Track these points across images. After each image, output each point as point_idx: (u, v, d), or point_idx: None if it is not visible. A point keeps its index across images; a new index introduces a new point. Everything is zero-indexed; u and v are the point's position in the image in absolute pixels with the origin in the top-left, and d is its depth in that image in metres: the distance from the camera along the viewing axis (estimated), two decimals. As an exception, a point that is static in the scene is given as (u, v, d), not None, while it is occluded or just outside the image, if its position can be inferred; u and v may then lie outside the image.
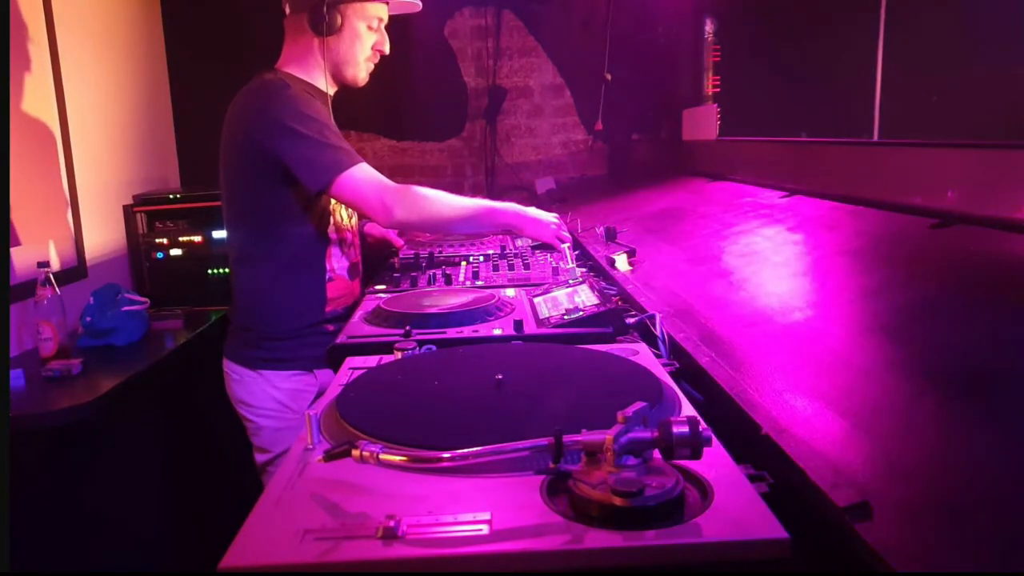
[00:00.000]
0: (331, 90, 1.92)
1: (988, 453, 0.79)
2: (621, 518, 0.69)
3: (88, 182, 2.76)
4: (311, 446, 0.89)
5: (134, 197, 3.06)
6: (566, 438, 0.76)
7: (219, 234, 2.97)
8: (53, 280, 2.23)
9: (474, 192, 3.80)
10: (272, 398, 1.83)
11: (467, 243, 2.48)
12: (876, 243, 1.50)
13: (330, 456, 0.80)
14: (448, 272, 1.99)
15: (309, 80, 1.87)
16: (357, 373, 1.16)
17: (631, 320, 1.44)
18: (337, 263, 1.90)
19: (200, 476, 2.59)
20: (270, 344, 1.83)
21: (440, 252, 2.34)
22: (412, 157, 3.87)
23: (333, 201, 1.87)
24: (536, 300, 1.63)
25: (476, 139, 3.86)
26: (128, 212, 3.00)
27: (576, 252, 2.09)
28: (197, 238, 2.99)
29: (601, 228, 2.19)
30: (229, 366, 1.88)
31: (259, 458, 1.87)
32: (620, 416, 0.75)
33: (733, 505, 0.72)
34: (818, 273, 1.46)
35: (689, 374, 1.19)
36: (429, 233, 2.54)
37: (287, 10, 1.86)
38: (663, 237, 2.18)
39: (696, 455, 0.74)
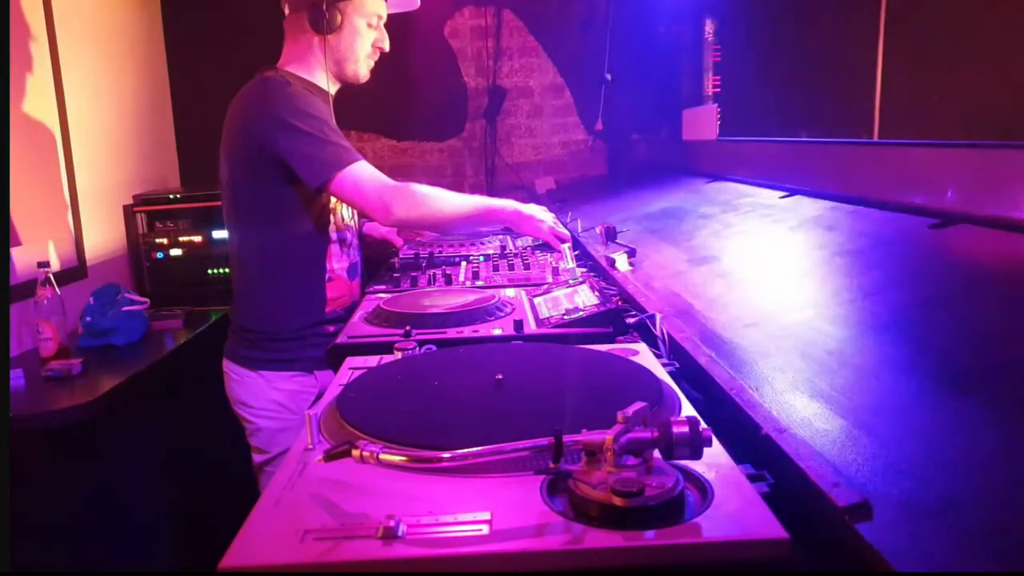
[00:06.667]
0: (332, 88, 1.92)
1: (988, 452, 0.79)
2: (621, 518, 0.69)
3: (88, 182, 2.76)
4: (311, 446, 0.89)
5: (134, 197, 3.06)
6: (566, 438, 0.76)
7: (219, 234, 2.97)
8: (53, 280, 2.23)
9: (474, 192, 3.80)
10: (272, 399, 1.83)
11: (467, 243, 2.48)
12: (876, 243, 1.50)
13: (330, 456, 0.80)
14: (448, 272, 1.99)
15: (310, 79, 1.87)
16: (357, 373, 1.16)
17: (631, 320, 1.44)
18: (337, 263, 1.90)
19: (200, 476, 2.60)
20: (270, 345, 1.83)
21: (440, 252, 2.34)
22: (412, 157, 3.87)
23: (334, 200, 1.87)
24: (536, 300, 1.63)
25: (476, 139, 3.86)
26: (128, 212, 3.00)
27: (576, 252, 2.09)
28: (197, 238, 2.99)
29: (601, 228, 2.19)
30: (229, 366, 1.88)
31: (256, 459, 1.87)
32: (620, 416, 0.75)
33: (733, 505, 0.72)
34: (818, 273, 1.46)
35: (689, 374, 1.19)
36: (428, 231, 2.54)
37: (286, 10, 1.86)
38: (663, 237, 2.18)
39: (696, 455, 0.74)
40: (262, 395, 1.83)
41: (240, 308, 1.89)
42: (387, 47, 1.92)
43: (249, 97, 1.79)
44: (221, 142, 1.83)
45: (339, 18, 1.81)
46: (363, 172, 1.75)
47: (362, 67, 1.90)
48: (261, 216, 1.81)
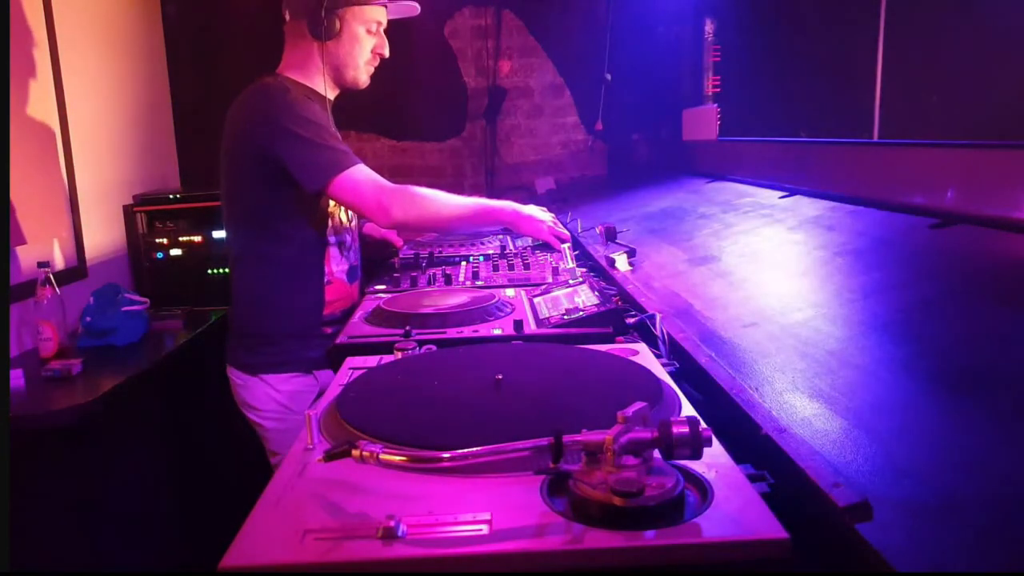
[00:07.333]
0: (331, 94, 1.92)
1: (988, 452, 0.79)
2: (621, 518, 0.69)
3: (88, 182, 2.76)
4: (311, 446, 0.89)
5: (134, 197, 3.06)
6: (566, 438, 0.76)
7: (219, 234, 2.97)
8: (53, 280, 2.23)
9: (474, 192, 3.80)
10: (274, 401, 1.83)
11: (467, 243, 2.48)
12: (876, 243, 1.50)
13: (330, 456, 0.80)
14: (448, 272, 1.99)
15: (309, 84, 1.87)
16: (357, 373, 1.16)
17: (631, 320, 1.44)
18: (336, 266, 1.90)
19: (200, 476, 2.59)
20: (268, 347, 1.83)
21: (440, 252, 2.34)
22: (412, 157, 3.87)
23: (333, 203, 1.87)
24: (536, 300, 1.63)
25: (476, 139, 3.86)
26: (128, 212, 3.00)
27: (576, 252, 2.09)
28: (197, 238, 2.99)
29: (601, 228, 2.19)
30: (232, 372, 1.88)
31: (273, 461, 1.88)
32: (620, 416, 0.75)
33: (733, 505, 0.72)
34: (818, 273, 1.46)
35: (689, 374, 1.19)
36: (427, 233, 2.55)
37: (287, 16, 1.86)
38: (663, 237, 2.18)
39: (696, 455, 0.74)
40: (265, 398, 1.84)
41: (238, 311, 1.89)
42: (387, 53, 1.92)
43: (248, 102, 1.79)
44: (220, 146, 1.84)
45: (338, 25, 1.81)
46: (361, 175, 1.75)
47: (361, 73, 1.91)
48: (260, 219, 1.81)
